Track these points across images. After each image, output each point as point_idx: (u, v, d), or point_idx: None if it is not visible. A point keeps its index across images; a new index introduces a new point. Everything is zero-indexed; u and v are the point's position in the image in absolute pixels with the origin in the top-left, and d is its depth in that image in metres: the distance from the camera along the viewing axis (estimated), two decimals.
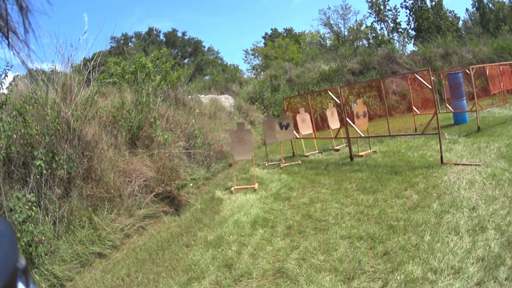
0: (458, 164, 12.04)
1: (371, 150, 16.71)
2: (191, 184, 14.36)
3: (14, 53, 0.57)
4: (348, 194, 11.03)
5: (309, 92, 26.91)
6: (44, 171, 9.28)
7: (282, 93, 35.47)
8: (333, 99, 18.40)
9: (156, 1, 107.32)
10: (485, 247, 6.42)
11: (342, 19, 64.44)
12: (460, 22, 65.73)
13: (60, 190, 9.54)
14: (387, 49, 43.18)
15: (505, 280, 5.37)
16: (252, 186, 13.76)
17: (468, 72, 18.47)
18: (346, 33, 63.43)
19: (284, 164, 17.17)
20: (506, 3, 57.57)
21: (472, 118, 19.91)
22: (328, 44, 64.11)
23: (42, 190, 9.10)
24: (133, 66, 19.47)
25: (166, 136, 14.35)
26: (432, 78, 13.25)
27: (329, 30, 65.71)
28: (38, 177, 9.14)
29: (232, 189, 13.69)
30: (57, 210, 9.12)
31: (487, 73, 21.44)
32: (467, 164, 11.81)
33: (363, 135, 16.12)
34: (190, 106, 22.24)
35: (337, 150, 19.20)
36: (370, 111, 29.99)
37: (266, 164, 17.97)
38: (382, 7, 63.41)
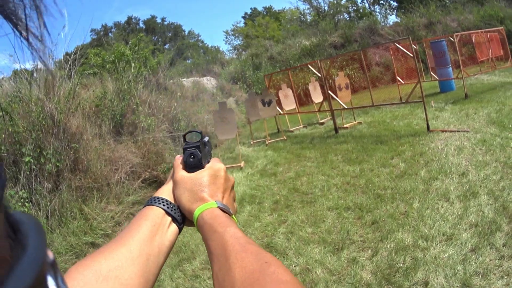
0: (446, 131, 11.87)
1: (356, 122, 16.54)
2: None
3: (33, 55, 0.53)
4: (334, 166, 10.97)
5: (290, 67, 26.52)
6: (33, 167, 9.35)
7: (264, 71, 34.68)
8: (314, 73, 18.15)
9: None
10: (478, 212, 6.32)
11: None
12: None
13: (49, 184, 9.57)
14: (368, 21, 42.88)
15: (503, 247, 5.28)
16: (238, 164, 13.70)
17: (452, 39, 18.23)
18: (326, 7, 62.41)
19: (270, 141, 17.01)
20: None
21: (459, 86, 19.50)
22: (308, 20, 63.12)
23: (33, 186, 9.15)
24: (113, 56, 19.19)
25: (149, 121, 14.26)
26: (414, 47, 13.09)
27: (308, 6, 64.66)
28: (28, 173, 9.20)
29: None
30: (49, 204, 9.17)
31: (474, 40, 21.34)
32: (455, 131, 11.63)
33: (346, 107, 15.97)
34: (172, 90, 22.01)
35: (322, 123, 19.01)
36: (354, 84, 30.15)
37: (252, 142, 17.75)
38: None
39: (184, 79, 31.41)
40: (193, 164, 1.35)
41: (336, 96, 16.25)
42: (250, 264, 0.94)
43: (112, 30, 75.51)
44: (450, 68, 20.89)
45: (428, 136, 11.76)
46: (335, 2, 60.86)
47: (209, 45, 79.73)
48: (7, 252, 0.41)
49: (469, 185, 7.46)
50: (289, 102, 19.33)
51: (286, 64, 36.39)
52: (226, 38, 77.36)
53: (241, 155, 14.75)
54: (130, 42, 22.30)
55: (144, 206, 1.29)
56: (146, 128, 14.22)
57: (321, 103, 18.18)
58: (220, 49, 75.45)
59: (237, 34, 73.01)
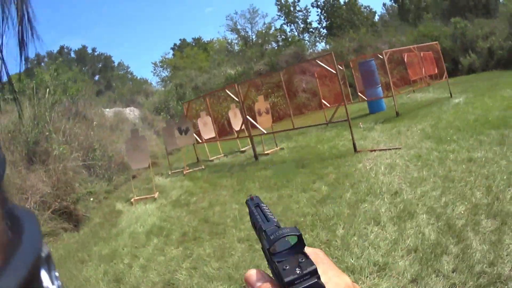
0: (375, 150, 11.25)
1: (278, 148, 16.05)
2: (91, 199, 13.92)
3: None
4: (250, 193, 10.00)
5: (207, 93, 25.72)
6: None
7: (185, 101, 34.54)
8: (233, 99, 17.74)
9: (67, 19, 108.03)
10: (416, 235, 5.60)
11: (249, 23, 64.40)
12: (377, 17, 66.54)
13: None
14: (295, 48, 42.76)
15: (453, 272, 4.54)
16: (152, 195, 13.09)
17: (382, 57, 17.81)
18: (253, 37, 63.34)
19: (187, 171, 16.36)
20: None
21: (390, 106, 19.16)
22: (236, 50, 63.56)
23: None
24: (33, 82, 18.41)
25: (61, 148, 13.89)
26: (340, 67, 12.49)
27: (236, 36, 65.71)
28: None
29: (132, 200, 12.98)
30: None
31: (405, 59, 20.96)
32: (385, 149, 11.02)
33: (266, 132, 15.49)
34: (91, 119, 21.28)
35: (243, 151, 18.36)
36: (279, 111, 29.67)
37: (170, 173, 17.13)
38: (292, 8, 63.77)
39: (107, 109, 30.73)
40: None
41: (256, 122, 15.77)
42: None
43: (45, 59, 73.83)
44: (380, 88, 20.51)
45: (355, 156, 11.11)
46: (263, 31, 61.83)
47: (138, 77, 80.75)
48: (5, 235, 0.43)
49: (404, 204, 6.76)
50: (208, 130, 18.83)
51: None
52: (155, 69, 76.85)
53: (155, 186, 14.11)
54: (51, 68, 21.75)
55: None
56: (58, 157, 13.78)
57: (239, 129, 17.28)
58: (149, 81, 75.48)
59: (165, 66, 72.91)
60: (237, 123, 18.19)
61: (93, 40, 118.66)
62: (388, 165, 9.38)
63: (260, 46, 56.38)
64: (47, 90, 18.14)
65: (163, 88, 51.67)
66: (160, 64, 73.87)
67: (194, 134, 17.75)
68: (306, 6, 74.04)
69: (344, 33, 45.84)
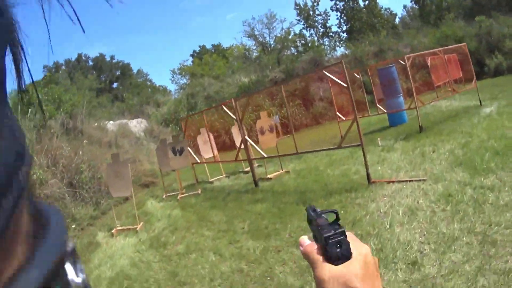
0: (393, 182, 9.06)
1: (283, 170, 14.30)
2: (73, 226, 13.43)
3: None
4: (235, 238, 8.69)
5: (207, 108, 23.87)
6: None
7: (197, 111, 32.90)
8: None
9: (92, 26, 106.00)
10: None
11: (267, 29, 61.92)
12: (397, 19, 64.24)
13: None
14: (312, 54, 40.80)
15: None
16: (135, 226, 11.93)
17: (403, 62, 15.59)
18: (271, 42, 61.05)
19: (182, 196, 14.84)
20: None
21: (413, 117, 17.02)
22: (253, 56, 61.60)
23: None
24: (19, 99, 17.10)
25: (38, 173, 13.24)
26: (357, 76, 10.58)
27: (254, 42, 63.31)
28: None
29: (113, 231, 11.98)
30: None
31: (429, 63, 18.85)
32: (406, 181, 8.84)
33: (265, 155, 13.68)
34: (88, 135, 19.80)
35: (247, 172, 16.35)
36: (295, 122, 27.38)
37: (164, 196, 15.52)
38: (311, 12, 61.73)
39: (111, 122, 29.45)
40: (340, 255, 1.08)
41: (257, 141, 14.22)
42: None
43: (62, 67, 73.35)
44: (401, 98, 18.41)
45: (368, 190, 9.00)
46: (282, 36, 59.78)
47: (157, 84, 79.31)
48: (30, 227, 0.44)
49: (423, 286, 4.62)
50: (207, 149, 17.26)
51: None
52: (173, 77, 74.57)
53: (145, 212, 13.47)
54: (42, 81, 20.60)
55: None
56: (36, 182, 12.92)
57: (239, 149, 15.06)
58: (168, 88, 74.20)
59: (183, 73, 71.25)
60: (239, 141, 16.23)
61: (113, 47, 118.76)
62: (408, 208, 7.23)
63: (278, 52, 54.29)
64: (29, 109, 16.94)
65: (175, 97, 50.16)
66: (179, 71, 72.31)
67: (193, 153, 16.28)
68: (326, 10, 71.62)
69: (364, 37, 44.08)
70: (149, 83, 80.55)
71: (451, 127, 13.51)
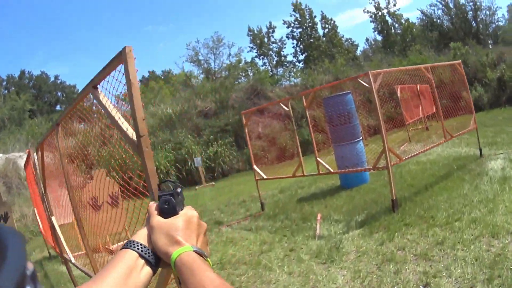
0: None
1: None
2: None
3: None
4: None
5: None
6: None
7: (111, 147, 28.21)
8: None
9: (57, 44, 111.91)
10: None
11: (212, 54, 56.90)
12: (359, 51, 62.04)
13: None
14: (252, 81, 37.50)
15: None
16: None
17: (366, 84, 9.36)
18: (216, 68, 56.43)
19: None
20: (416, 23, 54.85)
21: (377, 177, 12.14)
22: (197, 84, 55.65)
23: None
24: None
25: None
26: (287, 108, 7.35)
27: (198, 68, 58.81)
28: None
29: None
30: None
31: (399, 95, 15.41)
32: None
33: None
34: None
35: None
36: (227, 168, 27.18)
37: None
38: (265, 39, 59.46)
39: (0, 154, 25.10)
40: (168, 211, 1.46)
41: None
42: None
43: (3, 83, 70.20)
44: (361, 143, 12.58)
45: None
46: (232, 64, 55.47)
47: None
48: None
49: None
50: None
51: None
52: (117, 103, 69.66)
53: None
54: None
55: (121, 249, 1.39)
56: None
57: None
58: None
59: (127, 100, 65.52)
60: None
61: (64, 67, 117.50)
62: None
63: (225, 79, 49.22)
64: None
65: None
66: (123, 97, 66.66)
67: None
68: (282, 37, 68.79)
69: (318, 62, 41.05)
70: (95, 108, 75.82)
71: (445, 199, 8.46)
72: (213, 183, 24.97)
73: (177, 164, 28.32)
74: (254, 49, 59.37)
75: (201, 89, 38.65)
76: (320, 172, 11.23)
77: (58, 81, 77.63)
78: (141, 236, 1.42)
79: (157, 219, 1.41)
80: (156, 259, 1.38)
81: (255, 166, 12.64)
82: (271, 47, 59.63)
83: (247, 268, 7.55)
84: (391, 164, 9.07)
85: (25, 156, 26.98)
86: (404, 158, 10.03)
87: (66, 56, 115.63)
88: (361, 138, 12.36)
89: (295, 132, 10.55)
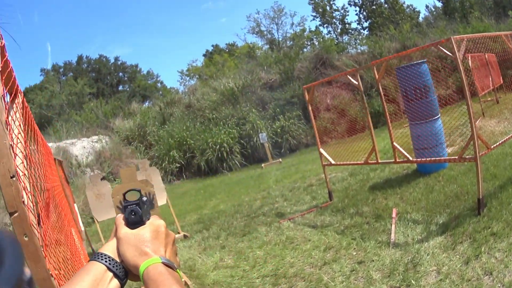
0: None
1: None
2: None
3: None
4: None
5: None
6: None
7: (170, 125, 28.74)
8: None
9: (115, 27, 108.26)
10: None
11: (275, 24, 56.44)
12: (421, 17, 58.64)
13: None
14: (316, 50, 35.51)
15: None
16: None
17: (448, 53, 7.69)
18: (280, 39, 55.61)
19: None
20: None
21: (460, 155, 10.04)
22: (259, 54, 54.14)
23: None
24: None
25: None
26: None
27: (261, 39, 58.35)
28: None
29: None
30: None
31: (470, 64, 13.38)
32: None
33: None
34: None
35: None
36: (294, 143, 25.81)
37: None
38: (328, 7, 57.34)
39: (50, 143, 23.02)
40: (134, 221, 1.45)
41: None
42: None
43: (60, 70, 70.40)
44: (440, 121, 10.76)
45: None
46: (297, 33, 54.92)
47: (169, 87, 74.55)
48: None
49: None
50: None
51: (201, 114, 30.75)
52: (181, 78, 69.01)
53: None
54: None
55: (89, 261, 1.35)
56: None
57: None
58: (180, 91, 69.31)
59: (191, 74, 66.36)
60: None
61: (130, 49, 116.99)
62: None
63: (290, 49, 47.73)
64: None
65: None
66: (187, 72, 67.29)
67: None
68: (344, 5, 67.51)
69: (383, 30, 41.23)
70: (160, 85, 76.78)
71: None
72: (280, 160, 24.08)
73: (241, 140, 27.43)
74: (317, 17, 57.64)
75: (264, 60, 37.33)
76: (397, 160, 9.46)
77: (119, 62, 76.74)
78: (109, 248, 1.38)
79: (124, 231, 1.39)
80: (124, 272, 1.34)
81: (321, 149, 11.19)
82: (334, 15, 57.54)
83: (305, 287, 6.38)
84: (480, 154, 7.28)
85: (78, 143, 26.32)
86: (492, 147, 8.02)
87: (125, 38, 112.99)
88: (439, 115, 10.67)
89: (366, 108, 9.44)
